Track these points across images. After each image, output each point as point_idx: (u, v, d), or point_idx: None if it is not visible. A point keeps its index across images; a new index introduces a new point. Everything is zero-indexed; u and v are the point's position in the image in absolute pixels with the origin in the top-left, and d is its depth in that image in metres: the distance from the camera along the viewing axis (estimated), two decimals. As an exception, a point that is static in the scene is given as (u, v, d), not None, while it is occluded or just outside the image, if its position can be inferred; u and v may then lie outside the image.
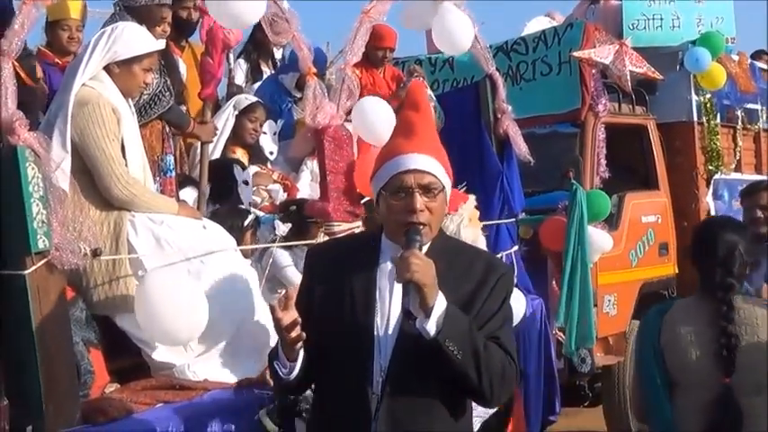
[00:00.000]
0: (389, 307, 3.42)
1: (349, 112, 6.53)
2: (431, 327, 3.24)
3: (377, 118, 6.34)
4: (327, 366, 3.41)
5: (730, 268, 4.42)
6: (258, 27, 8.10)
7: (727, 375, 4.34)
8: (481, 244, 6.51)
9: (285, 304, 3.28)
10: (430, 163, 3.44)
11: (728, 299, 4.38)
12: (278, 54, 8.95)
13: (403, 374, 3.36)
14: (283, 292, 6.09)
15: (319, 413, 3.55)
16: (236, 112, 7.38)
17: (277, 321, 3.27)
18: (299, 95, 8.02)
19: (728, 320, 4.35)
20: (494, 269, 3.53)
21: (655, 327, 4.53)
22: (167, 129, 6.28)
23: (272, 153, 7.68)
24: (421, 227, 3.38)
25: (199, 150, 6.61)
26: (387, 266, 3.44)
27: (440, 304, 3.25)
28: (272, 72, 8.89)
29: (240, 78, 8.58)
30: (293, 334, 3.27)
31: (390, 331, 3.39)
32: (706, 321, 4.42)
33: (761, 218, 6.41)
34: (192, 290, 4.85)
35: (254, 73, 8.75)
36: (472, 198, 6.90)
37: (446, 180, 3.49)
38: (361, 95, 6.93)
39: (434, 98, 8.00)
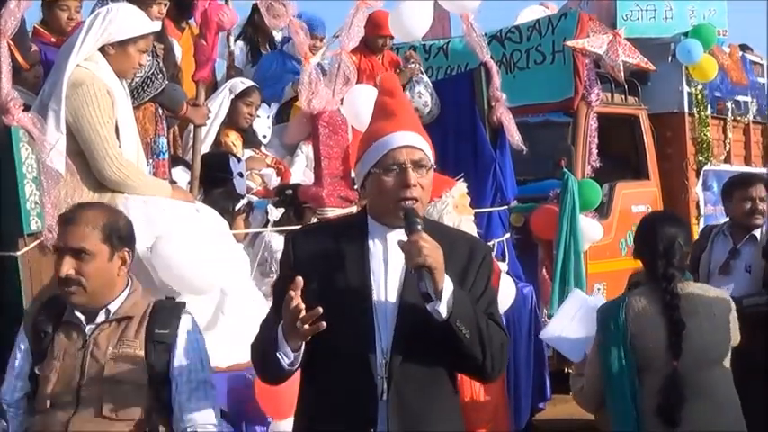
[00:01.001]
0: (385, 289, 3.42)
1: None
2: (443, 309, 3.27)
3: (368, 105, 6.35)
4: (326, 352, 3.37)
5: (671, 260, 4.69)
6: (256, 9, 8.09)
7: (675, 358, 4.59)
8: (468, 230, 6.51)
9: (297, 294, 3.23)
10: (419, 139, 3.46)
11: (671, 288, 4.66)
12: (277, 36, 8.93)
13: (406, 356, 3.36)
14: (275, 276, 6.12)
15: (318, 399, 3.46)
16: (232, 96, 7.35)
17: (296, 313, 3.19)
18: None
19: (673, 308, 4.63)
20: (477, 249, 3.57)
21: (619, 317, 4.70)
22: (160, 111, 6.25)
23: (265, 137, 7.66)
24: (414, 202, 3.39)
25: (192, 133, 6.58)
26: (378, 249, 3.45)
27: (448, 286, 3.28)
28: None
29: (240, 60, 8.55)
30: (308, 326, 3.21)
31: (388, 314, 3.39)
32: (658, 309, 4.67)
33: (761, 209, 6.36)
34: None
35: (254, 55, 8.72)
36: (461, 185, 6.90)
37: (432, 157, 3.51)
38: (359, 81, 6.93)
39: (431, 85, 8.00)
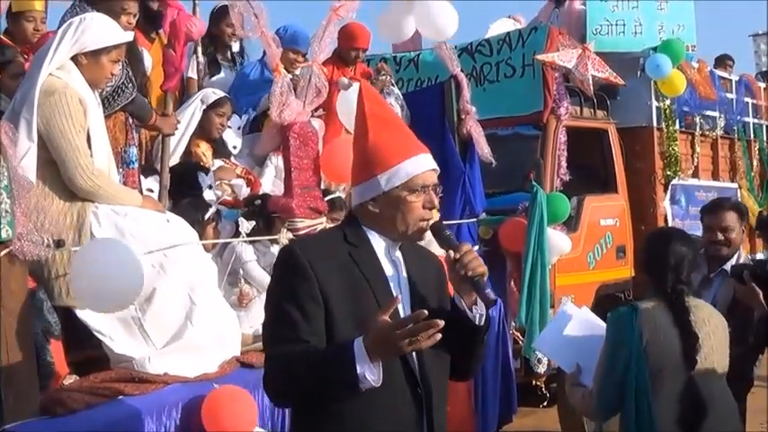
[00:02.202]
0: (402, 298, 3.47)
1: (316, 109, 6.54)
2: (484, 313, 3.51)
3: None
4: None
5: (680, 275, 4.83)
6: (213, 21, 8.12)
7: (690, 368, 4.72)
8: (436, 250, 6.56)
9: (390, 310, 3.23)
10: (434, 162, 3.62)
11: (681, 302, 4.80)
12: (235, 47, 8.92)
13: (430, 362, 3.47)
14: (243, 287, 6.13)
15: (349, 411, 3.37)
16: (204, 107, 7.36)
17: (421, 328, 3.12)
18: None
19: (685, 321, 4.75)
20: (440, 263, 3.73)
21: (633, 328, 4.75)
22: (130, 120, 6.26)
23: (235, 147, 7.68)
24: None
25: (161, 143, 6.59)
26: (386, 260, 3.52)
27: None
28: (229, 65, 8.90)
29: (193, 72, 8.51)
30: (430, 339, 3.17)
31: None
32: (670, 321, 4.77)
33: (721, 239, 6.28)
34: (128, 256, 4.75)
35: (212, 67, 8.68)
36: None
37: None
38: (331, 92, 6.95)
39: (402, 97, 8.03)
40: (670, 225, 10.56)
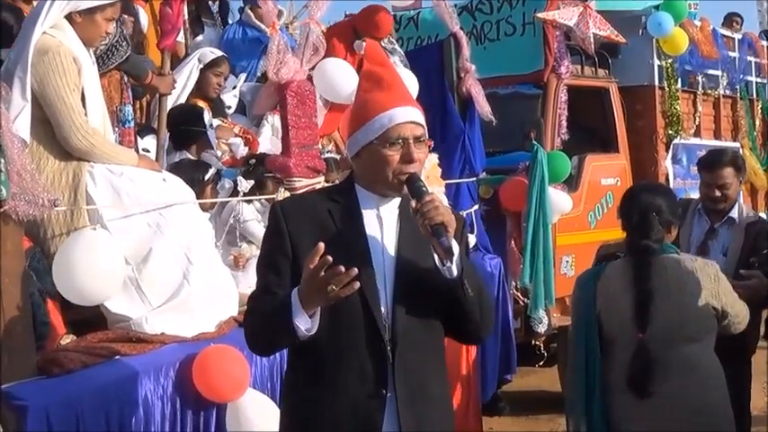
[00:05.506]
0: (382, 256, 3.47)
1: (314, 68, 6.49)
2: (455, 267, 3.37)
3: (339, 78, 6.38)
4: (332, 320, 3.38)
5: (644, 230, 4.68)
6: None
7: (641, 331, 4.60)
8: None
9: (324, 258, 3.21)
10: (419, 114, 3.54)
11: (641, 259, 4.66)
12: (214, 7, 8.86)
13: (405, 320, 3.44)
14: (243, 245, 6.12)
15: (327, 367, 3.45)
16: (201, 66, 7.33)
17: (328, 276, 3.15)
18: (264, 26, 8.02)
19: (640, 280, 4.63)
20: (457, 220, 3.60)
21: (590, 293, 4.76)
22: (126, 79, 6.23)
23: (230, 108, 7.66)
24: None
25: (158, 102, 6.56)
26: (371, 217, 3.51)
27: (455, 246, 3.36)
28: (213, 22, 8.85)
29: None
30: (342, 288, 3.19)
31: (387, 279, 3.46)
32: (628, 283, 4.69)
33: (718, 196, 6.20)
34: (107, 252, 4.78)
35: (195, 26, 8.62)
36: (432, 156, 6.90)
37: (427, 131, 3.59)
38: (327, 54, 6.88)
39: (403, 53, 7.96)
40: (672, 184, 10.53)
